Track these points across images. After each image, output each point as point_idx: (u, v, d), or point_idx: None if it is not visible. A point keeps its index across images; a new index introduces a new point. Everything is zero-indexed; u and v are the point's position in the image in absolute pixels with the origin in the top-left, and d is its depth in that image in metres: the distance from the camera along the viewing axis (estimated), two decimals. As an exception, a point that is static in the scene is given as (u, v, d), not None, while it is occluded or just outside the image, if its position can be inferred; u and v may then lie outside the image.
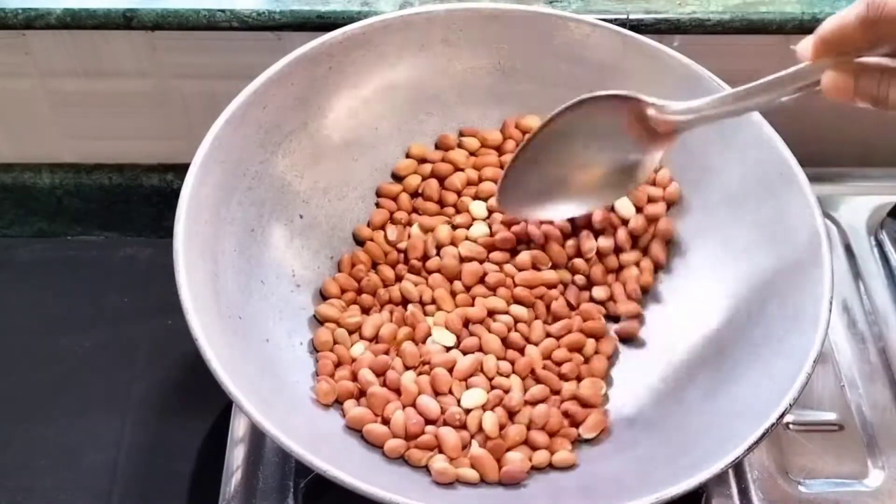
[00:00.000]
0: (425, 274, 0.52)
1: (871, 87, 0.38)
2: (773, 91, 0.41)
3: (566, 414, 0.47)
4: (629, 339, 0.52)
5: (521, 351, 0.50)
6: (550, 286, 0.52)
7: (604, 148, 0.49)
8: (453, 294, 0.52)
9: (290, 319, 0.50)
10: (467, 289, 0.52)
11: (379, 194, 0.55)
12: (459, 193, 0.55)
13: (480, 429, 0.47)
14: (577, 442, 0.48)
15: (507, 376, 0.49)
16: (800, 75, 0.40)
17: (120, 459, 0.57)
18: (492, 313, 0.51)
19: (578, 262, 0.52)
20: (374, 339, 0.50)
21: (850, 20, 0.37)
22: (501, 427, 0.47)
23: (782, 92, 0.41)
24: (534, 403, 0.48)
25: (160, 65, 0.63)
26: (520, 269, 0.52)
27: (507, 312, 0.51)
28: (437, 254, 0.53)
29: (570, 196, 0.51)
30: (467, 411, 0.47)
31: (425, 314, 0.51)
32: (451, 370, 0.48)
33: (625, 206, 0.53)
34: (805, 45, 0.40)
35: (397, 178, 0.56)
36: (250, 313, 0.48)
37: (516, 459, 0.45)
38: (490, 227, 0.54)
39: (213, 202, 0.48)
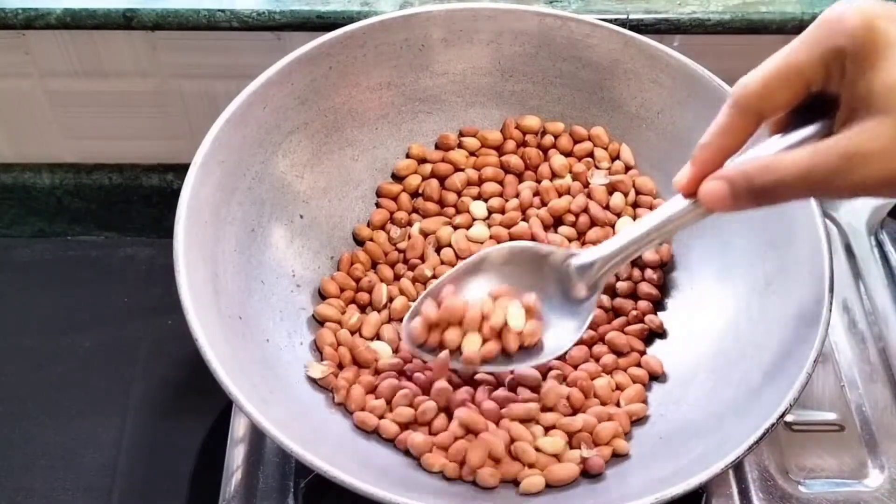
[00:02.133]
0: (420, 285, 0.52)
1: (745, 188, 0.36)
2: (667, 228, 0.41)
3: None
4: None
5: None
6: None
7: (535, 291, 0.46)
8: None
9: (291, 319, 0.50)
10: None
11: (379, 194, 0.56)
12: (459, 193, 0.55)
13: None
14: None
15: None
16: (686, 212, 0.39)
17: (120, 459, 0.57)
18: None
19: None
20: (375, 336, 0.50)
21: (723, 115, 0.36)
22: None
23: (676, 228, 0.40)
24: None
25: (160, 65, 0.63)
26: None
27: None
28: (438, 254, 0.53)
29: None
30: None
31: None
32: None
33: None
34: (682, 175, 0.38)
35: (397, 178, 0.56)
36: (250, 313, 0.48)
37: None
38: (489, 228, 0.54)
39: (214, 202, 0.48)
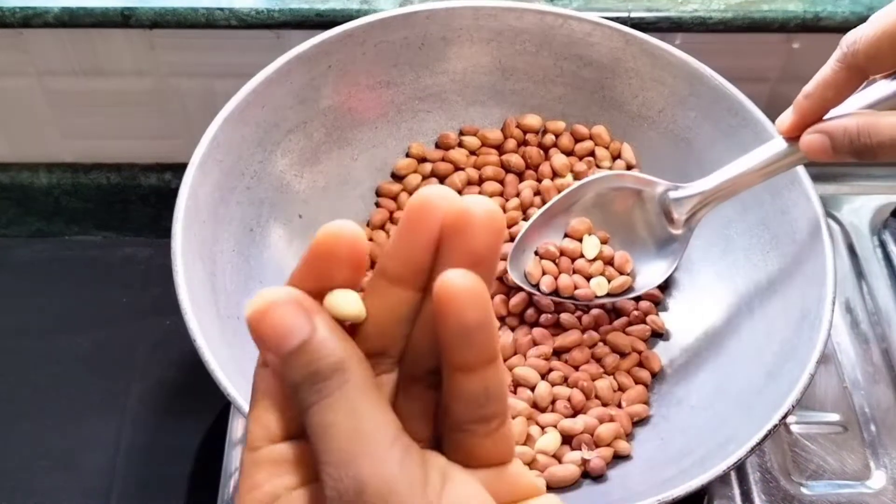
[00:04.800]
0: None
1: (846, 139, 0.38)
2: (765, 170, 0.44)
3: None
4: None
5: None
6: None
7: (625, 231, 0.50)
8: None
9: (290, 320, 0.50)
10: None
11: (379, 194, 0.55)
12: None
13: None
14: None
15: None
16: (785, 155, 0.43)
17: (119, 460, 0.57)
18: None
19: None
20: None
21: (830, 68, 0.38)
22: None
23: (776, 170, 0.44)
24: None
25: (158, 63, 0.63)
26: None
27: None
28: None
29: None
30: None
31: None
32: None
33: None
34: (785, 119, 0.41)
35: (397, 177, 0.56)
36: (249, 314, 0.47)
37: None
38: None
39: (212, 202, 0.47)
